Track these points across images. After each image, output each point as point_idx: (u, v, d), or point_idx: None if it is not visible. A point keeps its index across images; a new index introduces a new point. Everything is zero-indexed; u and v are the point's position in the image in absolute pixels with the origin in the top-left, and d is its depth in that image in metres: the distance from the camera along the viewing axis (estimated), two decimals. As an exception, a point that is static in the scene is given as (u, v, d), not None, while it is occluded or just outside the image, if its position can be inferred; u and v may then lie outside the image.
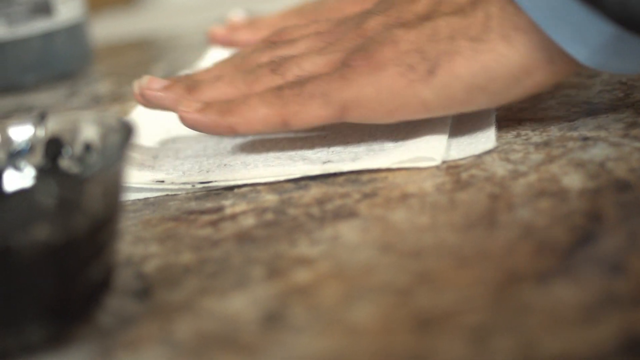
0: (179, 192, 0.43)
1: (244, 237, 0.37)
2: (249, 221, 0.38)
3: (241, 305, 0.31)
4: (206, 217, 0.39)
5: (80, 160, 0.34)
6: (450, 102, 0.41)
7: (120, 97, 0.63)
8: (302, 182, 0.41)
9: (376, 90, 0.42)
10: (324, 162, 0.43)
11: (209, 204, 0.41)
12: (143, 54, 0.81)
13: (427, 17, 0.42)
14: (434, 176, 0.39)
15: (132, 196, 0.43)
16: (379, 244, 0.34)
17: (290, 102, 0.43)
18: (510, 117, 0.45)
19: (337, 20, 0.48)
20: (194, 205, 0.41)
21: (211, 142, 0.49)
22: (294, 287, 0.32)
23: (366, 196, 0.38)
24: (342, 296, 0.31)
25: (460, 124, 0.44)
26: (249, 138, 0.48)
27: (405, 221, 0.36)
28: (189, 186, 0.43)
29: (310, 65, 0.45)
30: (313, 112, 0.43)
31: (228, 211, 0.40)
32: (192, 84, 0.47)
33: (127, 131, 0.32)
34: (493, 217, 0.35)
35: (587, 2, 0.37)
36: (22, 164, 0.35)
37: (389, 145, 0.44)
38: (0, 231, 0.28)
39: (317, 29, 0.49)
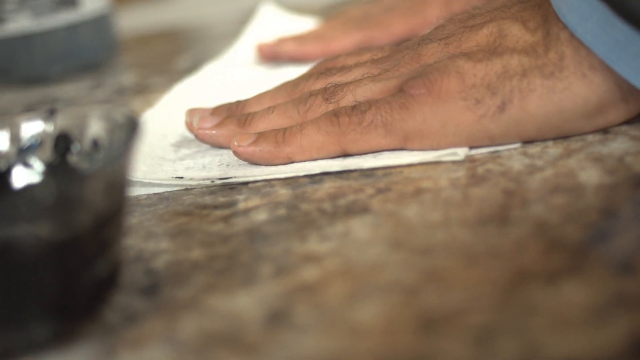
0: (197, 187, 0.43)
1: (254, 233, 0.36)
2: (261, 216, 0.38)
3: (247, 303, 0.31)
4: (219, 212, 0.39)
5: (88, 156, 0.34)
6: (518, 137, 0.40)
7: (144, 89, 0.63)
8: (317, 177, 0.41)
9: (441, 123, 0.40)
10: (345, 158, 0.42)
11: (222, 199, 0.41)
12: (169, 45, 0.81)
13: (493, 51, 0.40)
14: (449, 170, 0.39)
15: (151, 190, 0.43)
16: (389, 241, 0.34)
17: (349, 130, 0.42)
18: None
19: (392, 47, 0.48)
20: (208, 199, 0.41)
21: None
22: (301, 285, 0.32)
23: (380, 191, 0.38)
24: (348, 295, 0.30)
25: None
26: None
27: (417, 217, 0.35)
28: (207, 182, 0.43)
29: (364, 92, 0.43)
30: (373, 141, 0.41)
31: (241, 206, 0.39)
32: (244, 118, 0.46)
33: (132, 127, 0.32)
34: (506, 213, 0.34)
35: None
36: (32, 159, 0.35)
37: None
38: (3, 228, 0.28)
39: (372, 56, 0.48)
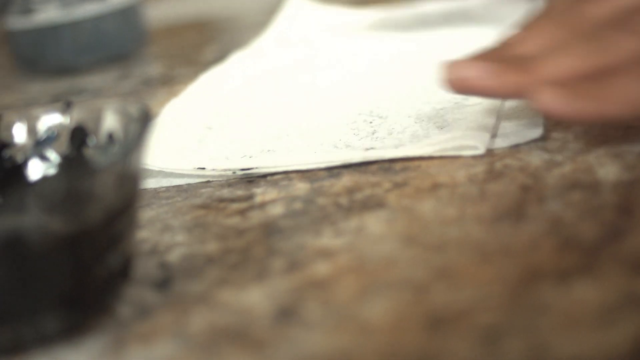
0: (219, 179, 0.43)
1: (270, 227, 0.36)
2: (277, 210, 0.38)
3: (257, 298, 0.31)
4: (236, 206, 0.39)
5: (104, 149, 0.34)
6: None
7: (170, 80, 0.63)
8: (335, 170, 0.41)
9: None
10: (367, 149, 0.42)
11: (240, 192, 0.40)
12: (197, 36, 0.81)
13: None
14: (467, 165, 0.38)
15: (171, 182, 0.43)
16: (403, 237, 0.33)
17: None
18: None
19: None
20: (225, 192, 0.41)
21: (258, 126, 0.49)
22: (312, 280, 0.31)
23: (397, 186, 0.38)
24: (358, 291, 0.30)
25: (510, 110, 0.43)
26: (297, 121, 0.48)
27: (432, 213, 0.35)
28: (229, 172, 0.43)
29: None
30: None
31: (258, 199, 0.39)
32: (526, 64, 0.38)
33: (145, 121, 0.32)
34: (521, 210, 0.33)
35: None
36: (48, 152, 0.35)
37: (435, 132, 0.43)
38: (14, 221, 0.28)
39: None
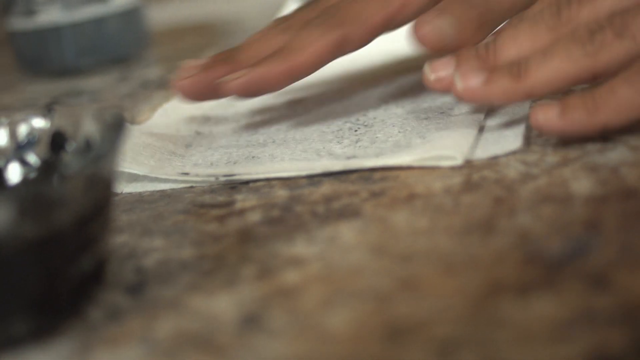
0: (202, 184, 0.43)
1: (245, 234, 0.37)
2: (254, 217, 0.38)
3: (225, 305, 0.31)
4: (215, 212, 0.39)
5: (81, 154, 0.35)
6: None
7: (167, 84, 0.64)
8: (316, 178, 0.41)
9: None
10: (349, 158, 0.42)
11: (221, 198, 0.41)
12: (199, 39, 0.81)
13: None
14: (445, 176, 0.39)
15: (156, 187, 0.44)
16: (373, 247, 0.34)
17: None
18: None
19: None
20: (207, 198, 0.41)
21: (246, 133, 0.49)
22: (280, 288, 0.32)
23: (374, 195, 0.38)
24: (323, 300, 0.31)
25: (492, 121, 0.43)
26: (284, 128, 0.48)
27: (405, 223, 0.35)
28: (212, 178, 0.43)
29: None
30: None
31: (238, 206, 0.40)
32: (515, 68, 0.39)
33: (119, 127, 0.32)
34: (492, 222, 0.34)
35: None
36: (29, 156, 0.36)
37: (416, 142, 0.43)
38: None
39: None
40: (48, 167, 0.35)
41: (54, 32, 0.71)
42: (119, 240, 0.38)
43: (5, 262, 0.29)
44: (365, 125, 0.47)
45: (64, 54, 0.72)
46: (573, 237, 0.32)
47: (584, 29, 0.38)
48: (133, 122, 0.54)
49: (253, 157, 0.45)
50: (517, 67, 0.39)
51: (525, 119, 0.42)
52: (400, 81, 0.54)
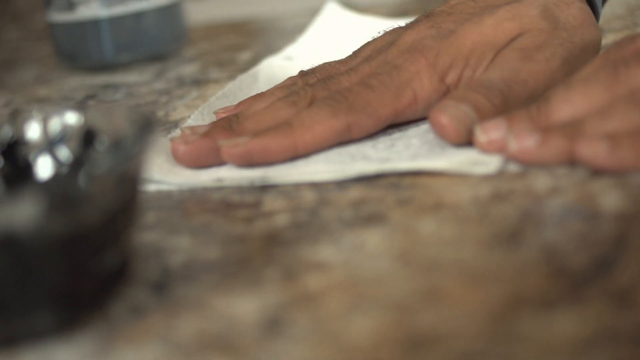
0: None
1: (271, 237, 0.37)
2: (281, 220, 0.38)
3: (247, 308, 0.31)
4: (243, 213, 0.40)
5: (110, 152, 0.35)
6: None
7: (200, 82, 0.64)
8: (345, 183, 0.41)
9: None
10: (383, 161, 0.42)
11: (249, 199, 0.41)
12: (236, 38, 0.81)
13: None
14: (474, 186, 0.38)
15: (187, 185, 0.44)
16: (398, 255, 0.34)
17: None
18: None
19: None
20: (236, 198, 0.41)
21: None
22: (303, 293, 0.32)
23: (401, 202, 0.38)
24: (345, 307, 0.31)
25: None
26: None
27: (431, 232, 0.35)
28: (246, 182, 0.43)
29: None
30: None
31: (265, 208, 0.40)
32: (570, 129, 0.38)
33: (148, 127, 0.32)
34: (518, 235, 0.34)
35: None
36: (60, 151, 0.36)
37: (451, 149, 0.43)
38: (11, 220, 0.29)
39: None
40: (78, 164, 0.35)
41: (93, 26, 0.72)
42: (146, 237, 0.38)
43: (32, 256, 0.30)
44: (400, 130, 0.47)
45: (102, 49, 0.72)
46: (599, 254, 0.31)
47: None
48: (166, 120, 0.55)
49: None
50: (573, 128, 0.38)
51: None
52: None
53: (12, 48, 0.94)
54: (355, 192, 0.40)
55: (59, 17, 0.73)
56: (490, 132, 0.40)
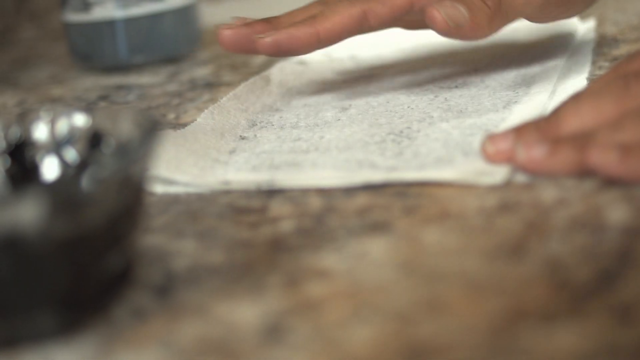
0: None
1: (276, 243, 0.37)
2: (287, 226, 0.38)
3: (249, 314, 0.31)
4: (249, 218, 0.40)
5: (116, 155, 0.35)
6: None
7: (213, 85, 0.64)
8: (352, 190, 0.41)
9: None
10: (390, 170, 0.42)
11: (255, 204, 0.41)
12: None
13: None
14: (481, 197, 0.38)
15: (194, 188, 0.44)
16: (401, 264, 0.34)
17: None
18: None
19: None
20: (242, 202, 0.41)
21: (289, 139, 0.49)
22: (305, 301, 0.32)
23: (407, 211, 0.38)
24: (347, 316, 0.30)
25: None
26: (328, 137, 0.48)
27: (436, 243, 0.35)
28: (253, 186, 0.43)
29: None
30: None
31: (271, 213, 0.40)
32: (581, 141, 0.38)
33: (154, 131, 0.32)
34: (523, 247, 0.33)
35: None
36: (67, 153, 0.36)
37: (459, 159, 0.43)
38: (13, 221, 0.29)
39: None
40: (84, 166, 0.35)
41: (108, 26, 0.72)
42: (151, 240, 0.38)
43: (36, 257, 0.30)
44: (409, 138, 0.47)
45: (117, 49, 0.72)
46: (603, 268, 0.31)
47: None
48: (177, 122, 0.55)
49: (295, 163, 0.45)
50: (583, 139, 0.38)
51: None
52: (446, 94, 0.54)
53: (28, 47, 0.95)
54: (361, 200, 0.40)
55: (74, 17, 0.73)
56: (498, 142, 0.40)
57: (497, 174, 0.40)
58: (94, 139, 0.36)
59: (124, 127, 0.35)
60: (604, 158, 0.36)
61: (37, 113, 0.37)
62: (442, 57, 0.64)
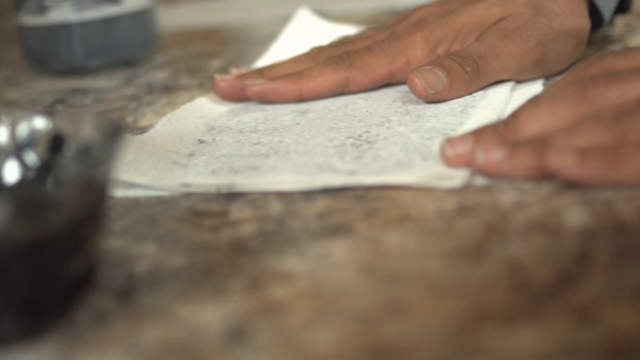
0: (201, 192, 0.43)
1: (237, 246, 0.37)
2: (248, 229, 0.38)
3: (212, 316, 0.31)
4: (209, 221, 0.40)
5: (77, 158, 0.35)
6: None
7: (170, 88, 0.64)
8: (312, 193, 0.41)
9: None
10: (350, 174, 0.43)
11: (216, 207, 0.41)
12: (207, 45, 0.81)
13: None
14: (440, 200, 0.39)
15: (154, 192, 0.44)
16: (363, 266, 0.34)
17: None
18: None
19: None
20: (202, 206, 0.41)
21: (248, 143, 0.49)
22: (268, 303, 0.32)
23: (367, 214, 0.38)
24: (309, 318, 0.31)
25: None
26: (287, 140, 0.48)
27: (397, 245, 0.35)
28: (213, 189, 0.43)
29: None
30: None
31: (232, 217, 0.40)
32: (538, 144, 0.39)
33: (117, 135, 0.32)
34: (483, 249, 0.34)
35: None
36: (28, 157, 0.36)
37: (418, 162, 0.43)
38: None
39: None
40: (45, 169, 0.35)
41: (64, 30, 0.72)
42: (112, 244, 0.38)
43: (-3, 261, 0.29)
44: (368, 142, 0.47)
45: (73, 53, 0.72)
46: (561, 269, 0.32)
47: (610, 112, 0.38)
48: (136, 125, 0.55)
49: (255, 167, 0.45)
50: (541, 143, 0.39)
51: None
52: (404, 99, 0.55)
53: (-18, 50, 0.94)
54: (321, 203, 0.40)
55: (29, 20, 0.72)
56: (457, 146, 0.41)
57: (457, 177, 0.40)
58: (54, 143, 0.36)
59: (85, 130, 0.35)
60: (562, 162, 0.37)
61: (-4, 117, 0.37)
62: None
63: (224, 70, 0.66)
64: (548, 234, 0.34)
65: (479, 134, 0.41)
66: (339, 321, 0.30)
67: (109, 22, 0.72)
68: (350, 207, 0.39)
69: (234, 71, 0.59)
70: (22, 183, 0.30)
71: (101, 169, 0.31)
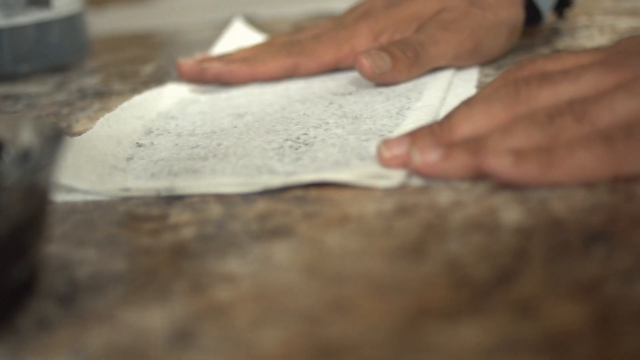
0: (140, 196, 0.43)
1: (178, 249, 0.37)
2: (188, 233, 0.38)
3: (156, 319, 0.32)
4: (149, 225, 0.40)
5: (17, 164, 0.35)
6: None
7: (105, 94, 0.64)
8: (251, 196, 0.42)
9: None
10: (289, 175, 0.43)
11: (155, 211, 0.41)
12: (139, 50, 0.81)
13: None
14: (379, 200, 0.39)
15: (92, 196, 0.44)
16: (305, 267, 0.34)
17: (629, 157, 0.37)
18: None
19: (614, 46, 0.43)
20: (141, 210, 0.41)
21: (187, 146, 0.49)
22: (212, 305, 0.32)
23: (307, 216, 0.39)
24: (255, 318, 0.31)
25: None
26: (226, 143, 0.49)
27: (337, 245, 0.36)
28: (153, 193, 0.43)
29: (624, 109, 0.38)
30: None
31: (172, 220, 0.40)
32: (473, 145, 0.39)
33: (57, 140, 0.32)
34: (422, 248, 0.34)
35: None
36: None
37: (355, 162, 0.44)
38: None
39: (592, 57, 0.42)
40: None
41: (-7, 35, 0.71)
42: (52, 250, 0.38)
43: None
44: (306, 144, 0.47)
45: (2, 59, 0.71)
46: (499, 266, 0.32)
47: (543, 113, 0.39)
48: (70, 131, 0.54)
49: (194, 170, 0.45)
50: (476, 144, 0.39)
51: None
52: (340, 101, 0.55)
53: None
54: (261, 205, 0.40)
55: (-43, 25, 0.71)
56: (393, 147, 0.41)
57: (394, 176, 0.41)
58: (-8, 149, 0.35)
59: (24, 135, 0.35)
60: (498, 164, 0.37)
61: None
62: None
63: (157, 74, 0.66)
64: (485, 232, 0.35)
65: (414, 136, 0.42)
66: (284, 321, 0.30)
67: (38, 27, 0.71)
68: (290, 209, 0.39)
69: (198, 55, 0.64)
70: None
71: (43, 174, 0.31)
